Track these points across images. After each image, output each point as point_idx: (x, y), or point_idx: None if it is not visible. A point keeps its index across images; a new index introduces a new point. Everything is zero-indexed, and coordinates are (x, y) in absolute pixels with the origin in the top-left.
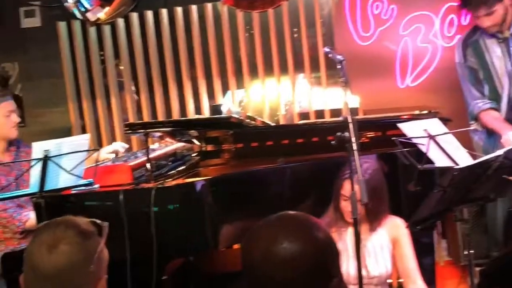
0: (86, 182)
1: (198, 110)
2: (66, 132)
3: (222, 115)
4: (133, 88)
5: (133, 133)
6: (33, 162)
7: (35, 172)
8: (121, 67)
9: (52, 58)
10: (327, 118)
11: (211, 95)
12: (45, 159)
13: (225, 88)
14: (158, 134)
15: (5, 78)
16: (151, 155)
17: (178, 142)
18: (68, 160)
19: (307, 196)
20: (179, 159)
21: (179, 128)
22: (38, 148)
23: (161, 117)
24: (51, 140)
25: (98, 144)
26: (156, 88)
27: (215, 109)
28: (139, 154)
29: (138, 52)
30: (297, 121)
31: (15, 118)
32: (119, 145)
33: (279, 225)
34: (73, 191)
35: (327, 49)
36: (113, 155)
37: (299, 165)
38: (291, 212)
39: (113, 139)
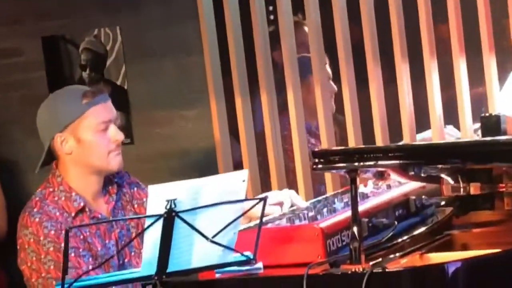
0: (243, 258)
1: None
2: (206, 156)
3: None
4: (328, 70)
5: (328, 168)
6: (148, 222)
7: (151, 239)
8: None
9: (181, 22)
10: None
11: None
12: (170, 217)
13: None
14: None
15: (99, 55)
16: (361, 207)
17: (411, 180)
18: (210, 217)
19: None
20: (414, 213)
21: (418, 160)
22: (157, 196)
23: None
24: (180, 182)
25: (264, 184)
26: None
27: (490, 121)
28: (336, 204)
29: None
30: None
31: (117, 134)
32: (294, 195)
33: None
34: (218, 275)
35: None
36: (278, 209)
37: None
38: None
39: (290, 176)
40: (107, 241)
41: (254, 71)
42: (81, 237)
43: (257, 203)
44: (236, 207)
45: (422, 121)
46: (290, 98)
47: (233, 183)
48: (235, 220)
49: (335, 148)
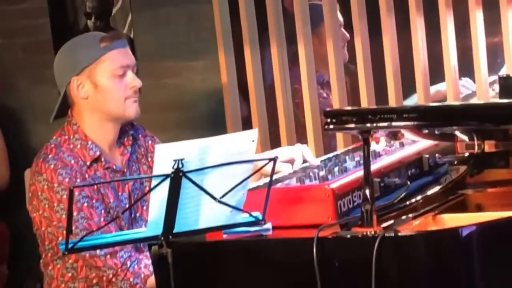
0: (251, 219)
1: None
2: (213, 108)
3: None
4: (340, 19)
5: (340, 129)
6: (154, 181)
7: (158, 199)
8: None
9: None
10: None
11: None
12: (177, 177)
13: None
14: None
15: (105, 3)
16: (373, 166)
17: (425, 138)
18: (218, 177)
19: None
20: (427, 172)
21: (433, 122)
22: (164, 156)
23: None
24: (188, 141)
25: (273, 141)
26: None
27: (508, 82)
28: (347, 162)
29: None
30: None
31: (134, 80)
32: (306, 151)
33: None
34: (225, 236)
35: None
36: (289, 166)
37: None
38: None
39: (299, 130)
40: (120, 193)
41: (265, 20)
42: (95, 187)
43: (267, 164)
44: (245, 167)
45: (437, 72)
46: (301, 50)
47: (242, 143)
48: (244, 180)
49: (347, 108)
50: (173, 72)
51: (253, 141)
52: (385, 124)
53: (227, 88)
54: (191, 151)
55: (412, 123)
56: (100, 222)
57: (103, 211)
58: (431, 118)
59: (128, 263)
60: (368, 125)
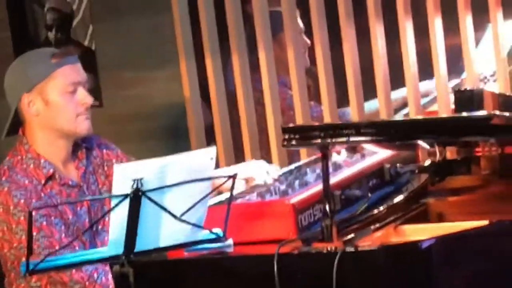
0: (212, 236)
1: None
2: (176, 118)
3: (476, 115)
4: (301, 25)
5: (298, 144)
6: (114, 201)
7: (118, 218)
8: None
9: None
10: None
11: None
12: (136, 196)
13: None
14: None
15: (65, 15)
16: (334, 179)
17: (385, 148)
18: (178, 195)
19: None
20: (388, 181)
21: (391, 136)
22: (123, 175)
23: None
24: (146, 160)
25: (236, 146)
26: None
27: (464, 96)
28: (308, 175)
29: None
30: None
31: (85, 97)
32: (265, 167)
33: None
34: (186, 254)
35: None
36: (242, 184)
37: None
38: None
39: (263, 140)
40: (78, 209)
41: (225, 29)
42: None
43: (226, 181)
44: (205, 185)
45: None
46: (261, 56)
47: (201, 161)
48: (203, 198)
49: (306, 124)
50: (135, 83)
51: (211, 158)
52: (343, 139)
53: (189, 98)
54: (150, 170)
55: (369, 138)
56: (61, 239)
57: (63, 227)
58: (388, 133)
59: (95, 275)
60: (327, 140)
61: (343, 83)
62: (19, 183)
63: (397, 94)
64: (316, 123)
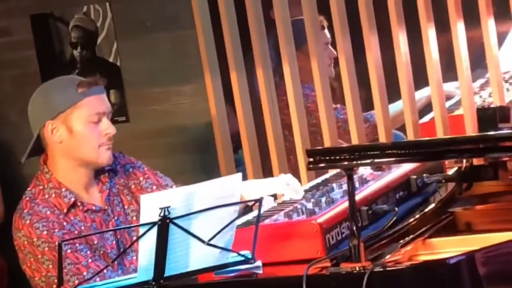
0: (241, 258)
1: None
2: (203, 132)
3: (499, 133)
4: (328, 36)
5: (323, 167)
6: (142, 230)
7: (147, 246)
8: None
9: None
10: None
11: None
12: (164, 224)
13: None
14: None
15: (90, 32)
16: (361, 195)
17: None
18: (205, 221)
19: None
20: (415, 193)
21: (416, 157)
22: (150, 204)
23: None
24: (173, 189)
25: (263, 157)
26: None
27: (487, 114)
28: (334, 191)
29: None
30: None
31: (109, 127)
32: (291, 183)
33: None
34: (216, 277)
35: None
36: (271, 200)
37: None
38: None
39: (290, 158)
40: (105, 237)
41: (249, 42)
42: (76, 232)
43: (253, 205)
44: (232, 209)
45: (420, 76)
46: (286, 69)
47: (226, 187)
48: (231, 222)
49: (330, 147)
50: (161, 98)
51: (238, 180)
52: (368, 161)
53: (215, 112)
54: (176, 198)
55: (394, 159)
56: (88, 264)
57: (88, 252)
58: (412, 153)
59: None
60: (352, 162)
61: (368, 85)
62: (40, 214)
63: (421, 94)
64: (343, 145)
